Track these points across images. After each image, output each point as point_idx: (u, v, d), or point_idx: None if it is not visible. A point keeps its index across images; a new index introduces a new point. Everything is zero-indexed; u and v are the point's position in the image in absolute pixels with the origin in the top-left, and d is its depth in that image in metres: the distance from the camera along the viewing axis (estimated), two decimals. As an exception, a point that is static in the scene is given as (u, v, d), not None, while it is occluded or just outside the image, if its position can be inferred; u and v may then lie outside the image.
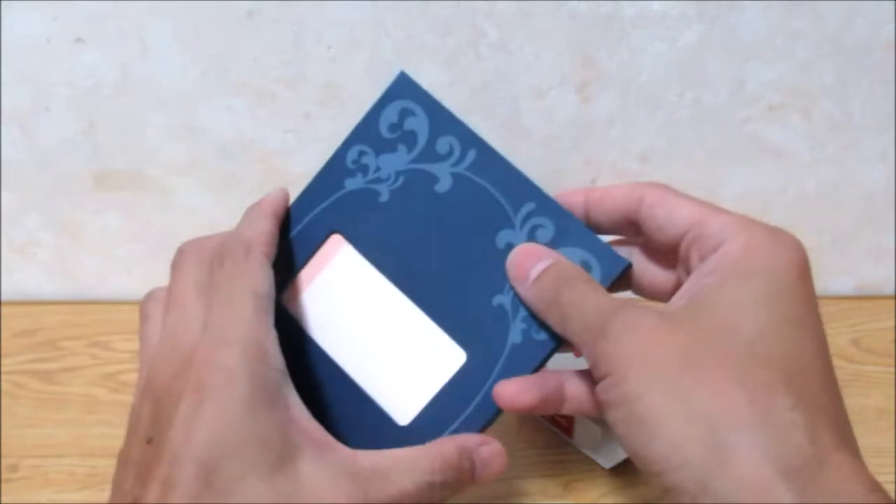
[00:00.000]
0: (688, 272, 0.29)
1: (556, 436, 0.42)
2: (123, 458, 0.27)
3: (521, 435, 0.42)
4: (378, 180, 0.33)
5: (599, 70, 0.50)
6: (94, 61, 0.48)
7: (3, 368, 0.48)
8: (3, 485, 0.40)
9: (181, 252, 0.31)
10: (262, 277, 0.29)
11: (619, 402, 0.25)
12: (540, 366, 0.31)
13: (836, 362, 0.50)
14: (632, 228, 0.32)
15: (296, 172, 0.52)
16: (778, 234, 0.28)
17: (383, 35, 0.49)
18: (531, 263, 0.30)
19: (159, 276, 0.33)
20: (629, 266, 0.31)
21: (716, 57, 0.50)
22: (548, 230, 0.31)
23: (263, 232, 0.31)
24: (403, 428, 0.32)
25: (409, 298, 0.32)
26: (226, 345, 0.26)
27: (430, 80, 0.50)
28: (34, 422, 0.45)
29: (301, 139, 0.51)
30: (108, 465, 0.28)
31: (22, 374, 0.48)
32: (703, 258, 0.28)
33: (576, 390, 0.30)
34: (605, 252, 0.30)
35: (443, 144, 0.32)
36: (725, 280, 0.27)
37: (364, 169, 0.33)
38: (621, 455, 0.40)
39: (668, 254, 0.31)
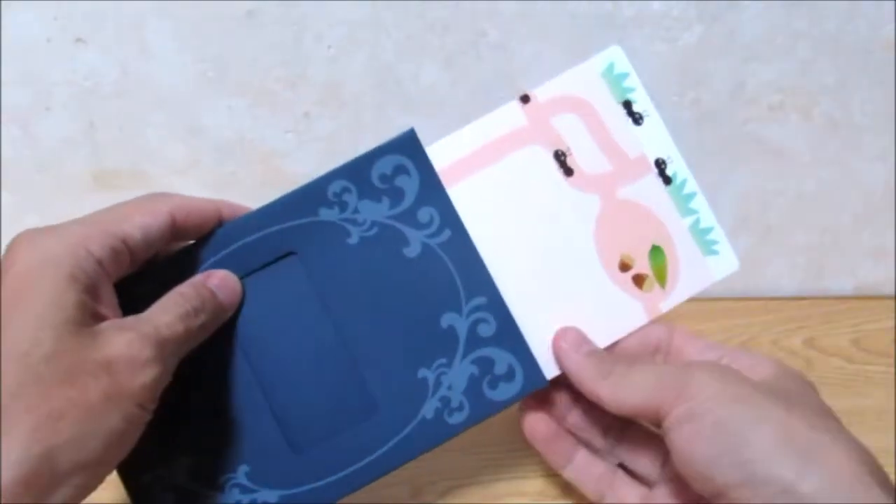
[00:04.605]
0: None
1: (556, 436, 0.42)
2: None
3: (521, 435, 0.42)
4: (353, 222, 0.33)
5: (599, 70, 0.50)
6: (94, 61, 0.48)
7: (3, 368, 0.48)
8: (3, 485, 0.40)
9: None
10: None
11: (704, 414, 0.28)
12: (440, 443, 0.33)
13: (836, 362, 0.51)
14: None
15: (296, 172, 0.52)
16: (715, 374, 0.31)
17: (383, 35, 0.49)
18: (579, 341, 0.33)
19: (159, 276, 0.33)
20: (547, 385, 0.33)
21: (716, 57, 0.50)
22: (490, 326, 0.33)
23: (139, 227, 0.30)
24: (295, 457, 0.32)
25: (342, 341, 0.33)
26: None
27: (430, 80, 0.50)
28: (34, 422, 0.45)
29: (301, 139, 0.51)
30: (108, 465, 0.27)
31: (22, 374, 0.48)
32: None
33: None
34: (532, 367, 0.33)
35: (424, 213, 0.33)
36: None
37: (343, 205, 0.33)
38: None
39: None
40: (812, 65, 0.51)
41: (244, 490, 0.32)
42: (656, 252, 0.35)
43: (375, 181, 0.33)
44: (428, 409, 0.32)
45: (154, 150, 0.51)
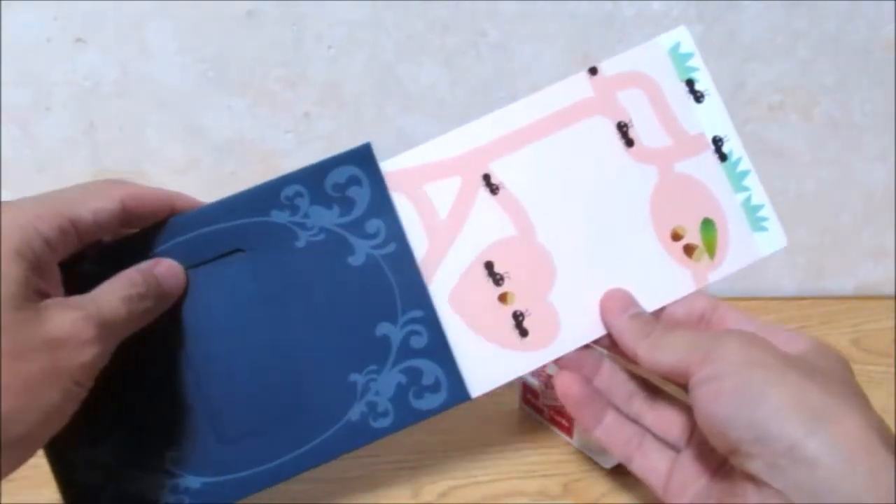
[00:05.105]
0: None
1: (556, 436, 0.42)
2: None
3: (521, 435, 0.42)
4: (302, 226, 0.34)
5: (599, 70, 0.50)
6: (94, 61, 0.48)
7: (3, 368, 0.48)
8: (3, 484, 0.40)
9: None
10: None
11: (723, 373, 0.29)
12: (362, 446, 0.33)
13: (836, 362, 0.50)
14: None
15: (296, 172, 0.52)
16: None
17: (383, 35, 0.49)
18: (626, 304, 0.34)
19: (159, 276, 0.33)
20: (471, 399, 0.34)
21: (716, 57, 0.50)
22: (422, 339, 0.34)
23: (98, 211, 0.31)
24: (221, 447, 0.33)
25: (279, 338, 0.34)
26: None
27: (431, 80, 0.50)
28: (34, 422, 0.44)
29: (301, 139, 0.51)
30: (108, 465, 0.27)
31: (22, 374, 0.48)
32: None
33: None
34: (457, 382, 0.34)
35: (372, 225, 0.34)
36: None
37: (294, 209, 0.34)
38: (621, 455, 0.40)
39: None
40: (812, 65, 0.51)
41: (169, 475, 0.33)
42: (707, 225, 0.36)
43: (328, 189, 0.34)
44: (354, 412, 0.33)
45: (154, 150, 0.51)
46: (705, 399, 0.29)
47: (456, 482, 0.40)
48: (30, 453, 0.27)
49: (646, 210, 0.36)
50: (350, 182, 0.34)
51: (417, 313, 0.34)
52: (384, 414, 0.34)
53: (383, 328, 0.34)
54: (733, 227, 0.36)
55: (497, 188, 0.35)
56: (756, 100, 0.52)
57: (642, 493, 0.39)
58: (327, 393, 0.34)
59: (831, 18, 0.50)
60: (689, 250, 0.36)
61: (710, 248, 0.36)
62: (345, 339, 0.34)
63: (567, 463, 0.41)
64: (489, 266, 0.35)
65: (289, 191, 0.34)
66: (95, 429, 0.32)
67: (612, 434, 0.35)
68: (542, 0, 0.48)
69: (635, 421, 0.35)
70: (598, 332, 0.35)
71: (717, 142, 0.36)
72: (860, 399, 0.29)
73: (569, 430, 0.41)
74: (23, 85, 0.49)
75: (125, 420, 0.33)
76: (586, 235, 0.35)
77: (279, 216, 0.34)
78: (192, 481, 0.33)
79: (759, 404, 0.27)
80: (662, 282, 0.35)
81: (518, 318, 0.34)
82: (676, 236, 0.36)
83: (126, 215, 0.32)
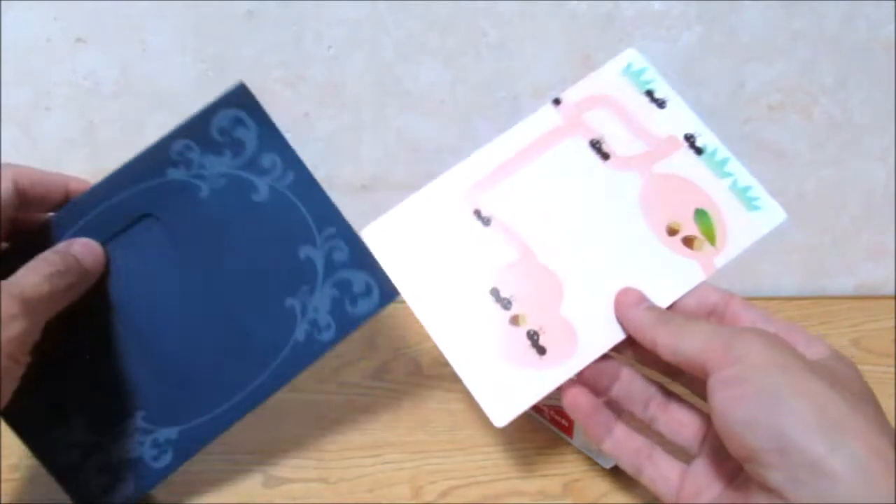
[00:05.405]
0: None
1: (556, 436, 0.42)
2: None
3: (521, 435, 0.42)
4: (201, 177, 0.36)
5: (599, 70, 0.50)
6: (94, 61, 0.48)
7: (3, 368, 0.48)
8: (3, 484, 0.40)
9: None
10: None
11: (747, 377, 0.29)
12: (316, 360, 0.36)
13: (836, 362, 0.50)
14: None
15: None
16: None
17: (383, 35, 0.49)
18: (640, 298, 0.35)
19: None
20: (398, 295, 0.36)
21: (716, 57, 0.50)
22: (343, 252, 0.36)
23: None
24: (184, 396, 0.35)
25: (209, 286, 0.36)
26: None
27: (431, 79, 0.50)
28: (34, 422, 0.45)
29: (301, 139, 0.51)
30: (108, 465, 0.28)
31: (22, 374, 0.48)
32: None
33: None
34: (386, 281, 0.36)
35: (266, 160, 0.36)
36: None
37: (188, 163, 0.36)
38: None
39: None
40: (812, 65, 0.51)
41: (145, 432, 0.35)
42: (701, 214, 0.37)
43: (215, 135, 0.36)
44: (300, 333, 0.36)
45: (154, 150, 0.51)
46: (726, 402, 0.29)
47: (456, 482, 0.40)
48: None
49: (637, 213, 0.37)
50: (235, 124, 0.36)
51: (332, 230, 0.36)
52: (327, 327, 0.36)
53: (305, 251, 0.36)
54: (728, 211, 0.37)
55: (489, 220, 0.37)
56: (756, 100, 0.52)
57: (642, 494, 0.39)
58: (269, 322, 0.36)
59: (831, 18, 0.50)
60: (688, 242, 0.36)
61: (710, 236, 0.36)
62: (271, 270, 0.36)
63: (567, 463, 0.41)
64: (495, 293, 0.36)
65: (177, 146, 0.36)
66: (59, 412, 0.34)
67: (621, 445, 0.35)
68: (542, 0, 0.48)
69: (649, 425, 0.35)
70: (616, 337, 0.35)
71: (689, 138, 0.38)
72: (876, 409, 0.29)
73: (569, 430, 0.41)
74: (23, 85, 0.49)
75: (84, 397, 0.35)
76: (586, 248, 0.36)
77: (176, 173, 0.36)
78: (170, 432, 0.35)
79: (783, 413, 0.27)
80: (671, 277, 0.36)
81: (533, 336, 0.35)
82: (672, 231, 0.36)
83: (21, 196, 0.33)
